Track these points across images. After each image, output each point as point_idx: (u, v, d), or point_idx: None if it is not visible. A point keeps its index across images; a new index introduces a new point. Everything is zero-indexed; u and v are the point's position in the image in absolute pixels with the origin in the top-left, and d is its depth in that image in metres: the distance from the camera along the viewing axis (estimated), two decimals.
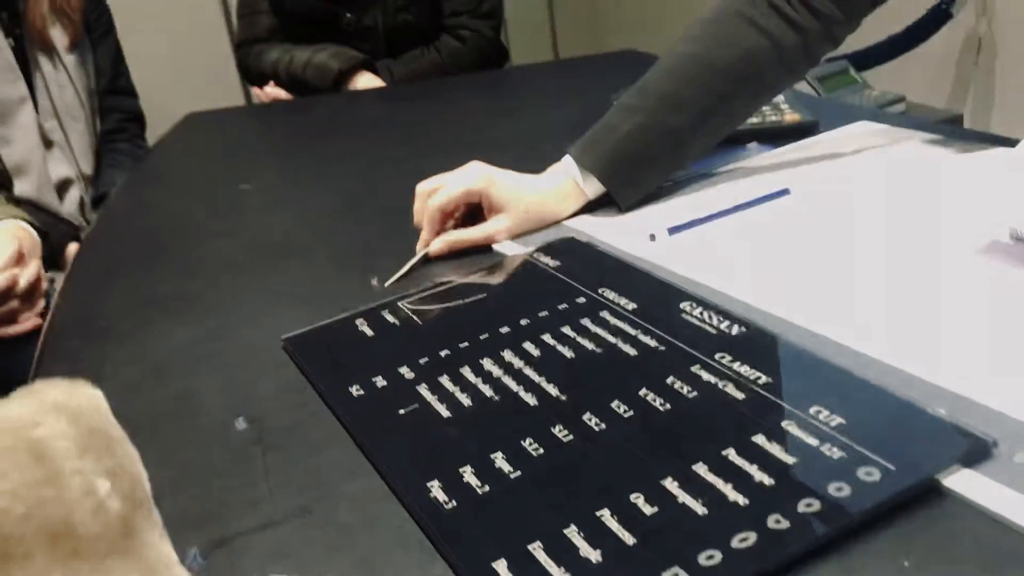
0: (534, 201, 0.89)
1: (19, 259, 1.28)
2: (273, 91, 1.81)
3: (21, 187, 1.59)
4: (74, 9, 1.64)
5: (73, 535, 0.34)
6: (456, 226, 0.90)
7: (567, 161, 0.92)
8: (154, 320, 0.84)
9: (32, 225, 1.38)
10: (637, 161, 0.90)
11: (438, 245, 0.87)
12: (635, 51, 1.76)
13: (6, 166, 1.59)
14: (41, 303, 1.33)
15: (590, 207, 0.92)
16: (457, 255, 0.88)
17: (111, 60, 1.77)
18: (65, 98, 1.65)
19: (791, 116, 1.08)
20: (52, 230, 1.58)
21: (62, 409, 0.37)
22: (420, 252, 0.87)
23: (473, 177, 0.88)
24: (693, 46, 0.91)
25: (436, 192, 0.88)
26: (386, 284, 0.84)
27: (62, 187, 1.66)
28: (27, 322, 1.30)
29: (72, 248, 1.58)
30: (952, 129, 1.01)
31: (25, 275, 1.28)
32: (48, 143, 1.64)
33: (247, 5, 1.85)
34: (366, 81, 1.74)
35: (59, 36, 1.64)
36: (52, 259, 1.57)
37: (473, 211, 0.90)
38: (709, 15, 0.92)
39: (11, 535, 0.33)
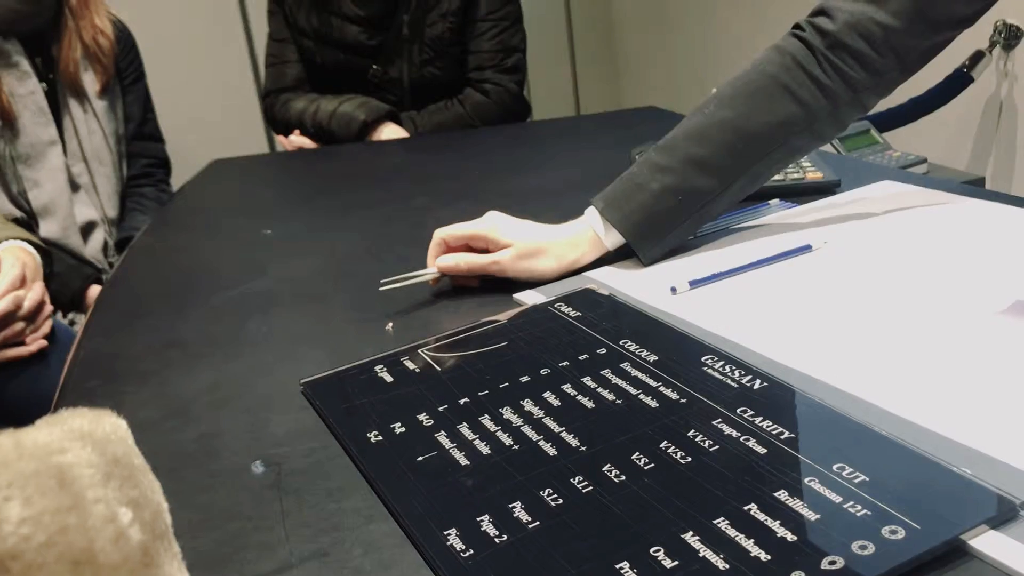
0: (542, 241, 0.90)
1: (23, 281, 1.30)
2: (298, 140, 1.83)
3: (47, 228, 1.61)
4: (107, 55, 1.68)
5: (94, 563, 0.34)
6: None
7: (590, 212, 0.93)
8: (174, 362, 0.84)
9: (32, 244, 1.39)
10: (663, 221, 0.90)
11: (448, 261, 0.90)
12: (656, 108, 1.78)
13: (33, 207, 1.61)
14: (47, 325, 1.34)
15: (610, 259, 0.92)
16: (477, 301, 0.89)
17: (140, 106, 1.80)
18: (93, 142, 1.68)
19: (813, 174, 1.08)
20: (75, 271, 1.60)
21: (87, 437, 0.37)
22: (421, 272, 0.91)
23: (483, 221, 0.92)
24: (726, 111, 0.90)
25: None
26: (381, 287, 0.89)
27: (87, 229, 1.68)
28: (32, 344, 1.31)
29: (94, 290, 1.60)
30: (975, 190, 1.01)
31: (29, 297, 1.30)
32: (75, 186, 1.66)
33: (275, 55, 1.88)
34: (390, 132, 1.76)
35: (91, 82, 1.67)
36: (74, 301, 1.59)
37: None
38: (745, 78, 0.92)
39: (32, 563, 0.32)
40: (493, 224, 0.91)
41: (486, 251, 0.91)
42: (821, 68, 0.88)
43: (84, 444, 0.36)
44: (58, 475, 0.34)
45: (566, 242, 0.91)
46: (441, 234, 0.92)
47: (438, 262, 0.90)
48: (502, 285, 0.90)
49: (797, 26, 0.92)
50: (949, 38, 0.90)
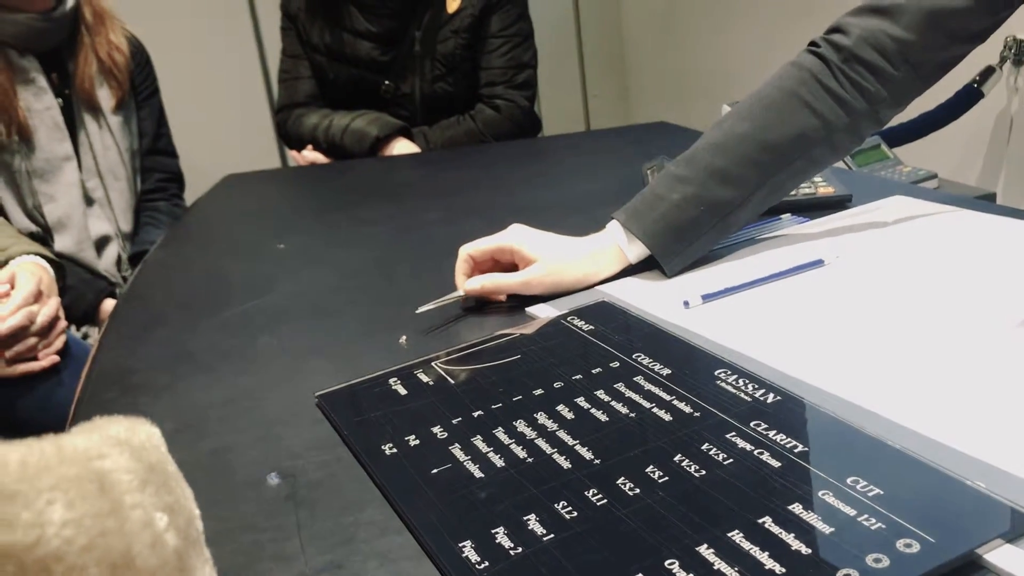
0: (568, 256, 0.91)
1: (38, 296, 1.30)
2: (311, 155, 1.84)
3: (61, 242, 1.63)
4: (122, 71, 1.69)
5: (132, 567, 0.35)
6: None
7: (612, 226, 0.93)
8: (189, 375, 0.85)
9: (46, 258, 1.40)
10: (685, 231, 0.91)
11: (474, 285, 0.90)
12: (666, 123, 1.78)
13: (48, 222, 1.62)
14: (60, 340, 1.34)
15: (624, 273, 0.93)
16: (490, 314, 0.89)
17: (154, 122, 1.81)
18: (108, 157, 1.69)
19: (825, 189, 1.09)
20: (89, 286, 1.61)
21: (125, 444, 0.37)
22: (453, 294, 0.91)
23: (508, 233, 0.92)
24: (745, 124, 0.91)
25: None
26: (417, 311, 0.88)
27: (101, 244, 1.69)
28: (44, 359, 1.32)
29: (108, 304, 1.60)
30: (986, 204, 1.01)
31: (43, 312, 1.30)
32: (89, 201, 1.68)
33: (288, 71, 1.89)
34: (402, 147, 1.77)
35: (106, 97, 1.68)
36: (88, 314, 1.60)
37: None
38: (762, 92, 0.93)
39: (74, 565, 0.33)
40: (518, 237, 0.91)
41: (512, 263, 0.92)
42: (838, 81, 0.90)
43: (122, 450, 0.37)
44: (98, 480, 0.35)
45: (591, 255, 0.92)
46: (467, 250, 0.92)
47: (466, 287, 0.90)
48: (518, 297, 0.91)
49: (813, 43, 0.93)
50: (963, 52, 0.90)
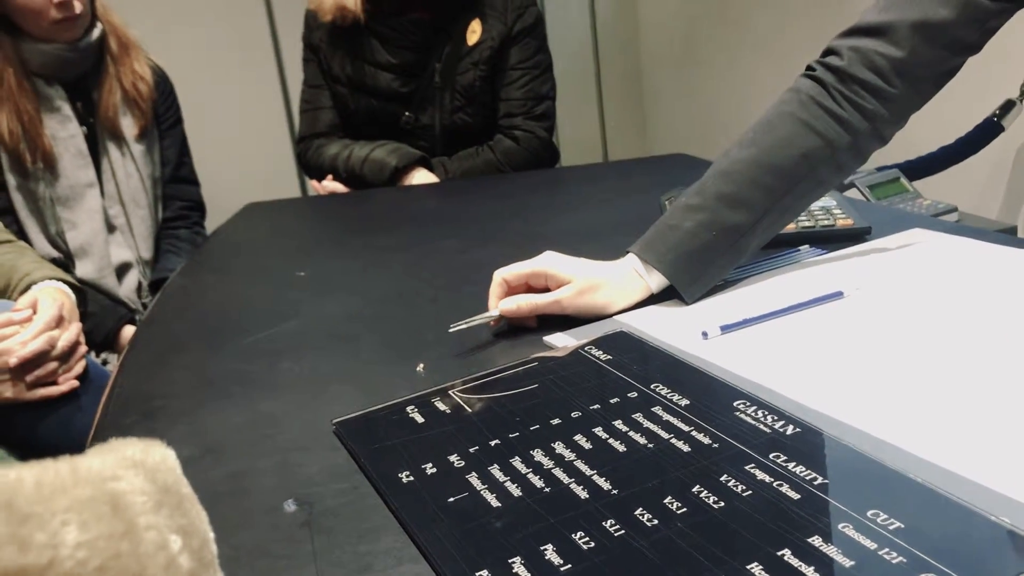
0: (599, 279, 0.92)
1: (59, 321, 1.31)
2: (331, 185, 1.85)
3: (83, 269, 1.64)
4: (145, 101, 1.72)
5: None
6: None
7: (629, 258, 0.94)
8: (208, 401, 0.85)
9: (68, 284, 1.40)
10: (701, 257, 0.92)
11: (509, 304, 0.91)
12: (685, 155, 1.79)
13: (70, 248, 1.64)
14: (79, 365, 1.34)
15: (643, 302, 0.93)
16: (508, 343, 0.89)
17: (177, 150, 1.83)
18: (130, 185, 1.71)
19: (844, 221, 1.09)
20: (109, 312, 1.62)
21: (139, 465, 0.37)
22: (486, 314, 0.91)
23: (542, 259, 0.93)
24: (749, 150, 0.93)
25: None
26: (450, 328, 0.89)
27: (121, 270, 1.70)
28: (64, 384, 1.32)
29: (128, 331, 1.62)
30: (1007, 238, 1.01)
31: (64, 337, 1.30)
32: (111, 227, 1.69)
33: (309, 101, 1.91)
34: (421, 177, 1.78)
35: (129, 125, 1.71)
36: (108, 341, 1.61)
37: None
38: (764, 119, 0.95)
39: None
40: (552, 261, 0.93)
41: (545, 288, 0.92)
42: (836, 102, 0.92)
43: (136, 472, 0.37)
44: (112, 501, 0.35)
45: (621, 280, 0.93)
46: (502, 274, 0.93)
47: (500, 306, 0.91)
48: (539, 325, 0.91)
49: (809, 67, 0.96)
50: (957, 64, 0.92)
